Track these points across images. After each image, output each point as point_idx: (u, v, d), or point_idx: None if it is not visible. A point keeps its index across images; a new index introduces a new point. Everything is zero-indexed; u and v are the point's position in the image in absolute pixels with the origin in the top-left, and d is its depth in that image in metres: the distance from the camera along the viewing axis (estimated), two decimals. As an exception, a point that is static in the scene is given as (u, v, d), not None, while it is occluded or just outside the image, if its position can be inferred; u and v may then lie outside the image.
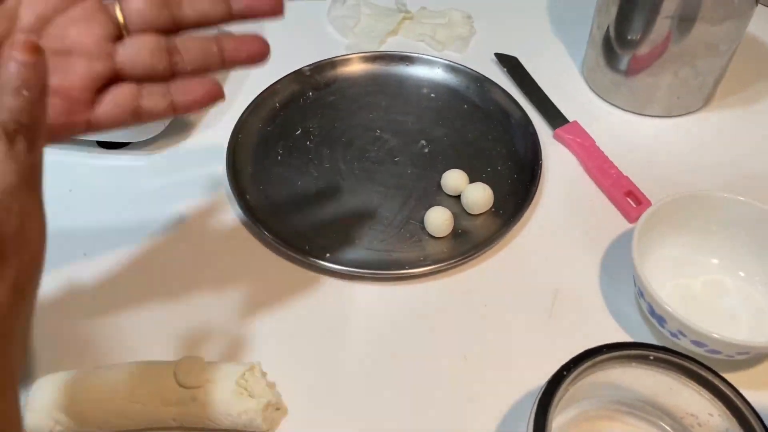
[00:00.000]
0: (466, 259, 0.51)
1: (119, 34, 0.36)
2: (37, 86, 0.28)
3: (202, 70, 0.37)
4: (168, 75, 0.36)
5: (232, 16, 0.37)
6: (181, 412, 0.40)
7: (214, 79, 0.37)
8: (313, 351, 0.47)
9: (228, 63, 0.37)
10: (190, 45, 0.36)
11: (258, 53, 0.38)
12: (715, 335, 0.41)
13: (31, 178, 0.29)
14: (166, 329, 0.47)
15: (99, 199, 0.56)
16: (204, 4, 0.36)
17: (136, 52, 0.35)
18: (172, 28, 0.36)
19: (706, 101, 0.62)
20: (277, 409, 0.42)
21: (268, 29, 0.70)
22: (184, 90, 0.36)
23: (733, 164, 0.58)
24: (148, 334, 0.47)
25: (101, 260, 0.51)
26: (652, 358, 0.38)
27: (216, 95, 0.37)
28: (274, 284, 0.50)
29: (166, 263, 0.51)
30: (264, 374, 0.42)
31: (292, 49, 0.68)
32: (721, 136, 0.60)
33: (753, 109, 0.63)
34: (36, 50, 0.28)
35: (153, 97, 0.36)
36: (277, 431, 0.42)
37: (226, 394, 0.40)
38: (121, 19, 0.36)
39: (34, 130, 0.29)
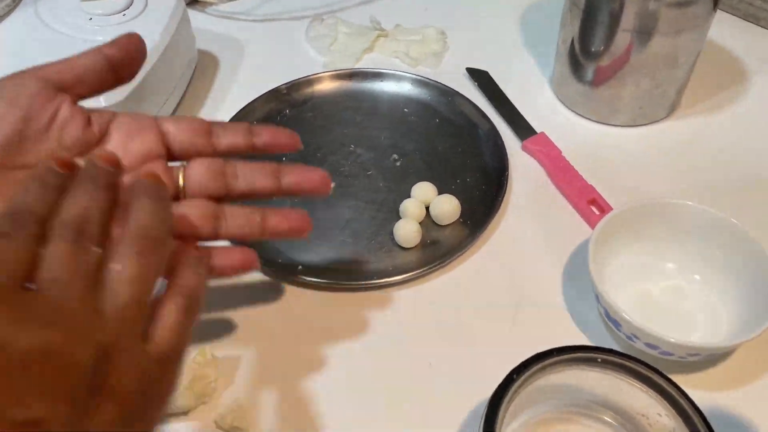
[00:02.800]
0: (433, 269, 0.52)
1: (177, 195, 0.39)
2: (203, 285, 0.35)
3: (243, 237, 0.40)
4: (211, 237, 0.39)
5: (280, 191, 0.41)
6: None
7: (251, 250, 0.40)
8: (279, 359, 0.48)
9: (267, 234, 0.40)
10: (237, 213, 0.40)
11: (299, 229, 0.41)
12: (665, 338, 0.42)
13: (185, 350, 0.32)
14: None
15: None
16: (256, 177, 0.40)
17: (186, 212, 0.38)
18: (224, 196, 0.40)
19: (671, 110, 0.64)
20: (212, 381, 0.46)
21: (248, 48, 0.73)
22: (223, 255, 0.39)
23: (694, 172, 0.59)
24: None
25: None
26: (599, 360, 0.39)
27: (251, 265, 0.40)
28: (246, 295, 0.52)
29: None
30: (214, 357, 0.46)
31: (270, 68, 0.70)
32: (684, 144, 0.62)
33: (716, 118, 0.64)
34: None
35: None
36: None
37: None
38: (181, 182, 0.39)
39: (200, 305, 0.34)
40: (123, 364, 0.28)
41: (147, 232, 0.31)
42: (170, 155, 0.40)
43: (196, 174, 0.40)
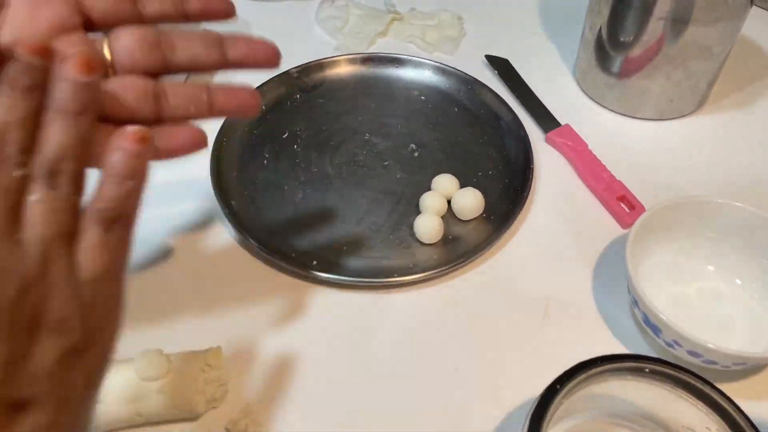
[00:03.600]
0: (456, 267, 0.49)
1: (105, 72, 0.33)
2: (141, 176, 0.29)
3: (189, 117, 0.35)
4: (152, 120, 0.34)
5: (227, 64, 0.36)
6: (147, 406, 0.40)
7: (199, 128, 0.35)
8: (298, 361, 0.45)
9: (216, 112, 0.36)
10: (180, 91, 0.34)
11: (249, 105, 0.37)
12: (711, 345, 0.40)
13: (120, 267, 0.29)
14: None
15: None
16: (197, 48, 0.35)
17: (119, 93, 0.32)
18: (162, 71, 0.35)
19: (700, 104, 0.62)
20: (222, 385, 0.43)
21: (255, 28, 0.70)
22: (168, 136, 0.34)
23: (727, 168, 0.57)
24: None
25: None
26: (647, 370, 0.37)
27: (199, 143, 0.35)
28: (258, 292, 0.49)
29: (147, 269, 0.50)
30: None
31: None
32: (715, 139, 0.59)
33: (747, 112, 0.62)
34: (146, 140, 0.29)
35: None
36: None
37: (191, 379, 0.41)
38: (108, 56, 0.33)
39: (130, 219, 0.29)
40: (54, 293, 0.27)
41: (63, 152, 0.27)
42: (89, 25, 0.34)
43: (124, 45, 0.33)
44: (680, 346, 0.42)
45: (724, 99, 0.63)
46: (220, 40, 0.35)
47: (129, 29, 0.34)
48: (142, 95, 0.33)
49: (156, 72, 0.34)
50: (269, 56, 0.36)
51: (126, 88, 0.33)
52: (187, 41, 0.35)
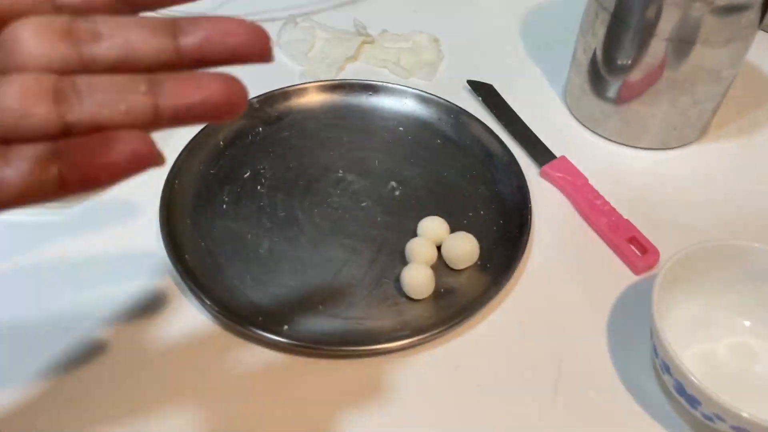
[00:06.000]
0: (452, 327, 0.42)
1: None
2: None
3: (117, 125, 0.22)
4: (56, 132, 0.22)
5: (181, 56, 0.23)
6: None
7: (141, 135, 0.22)
8: (270, 454, 0.37)
9: (167, 117, 0.22)
10: (102, 84, 0.22)
11: (222, 101, 0.22)
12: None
13: None
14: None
15: None
16: (131, 34, 0.23)
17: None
18: (80, 69, 0.23)
19: (702, 132, 0.57)
20: None
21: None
22: (81, 154, 0.21)
23: (742, 203, 0.52)
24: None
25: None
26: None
27: (146, 158, 0.21)
28: (217, 366, 0.41)
29: (81, 352, 0.42)
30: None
31: (237, 78, 0.60)
32: (724, 170, 0.54)
33: (753, 140, 0.57)
34: None
35: (19, 164, 0.21)
36: None
37: None
38: None
39: None
40: None
41: None
42: None
43: (21, 38, 0.22)
44: (722, 420, 0.36)
45: (726, 126, 0.58)
46: (171, 25, 0.23)
47: (30, 19, 0.23)
48: (35, 93, 0.21)
49: (71, 70, 0.22)
50: (251, 41, 0.23)
51: (12, 88, 0.21)
52: (118, 25, 0.23)
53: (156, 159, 0.22)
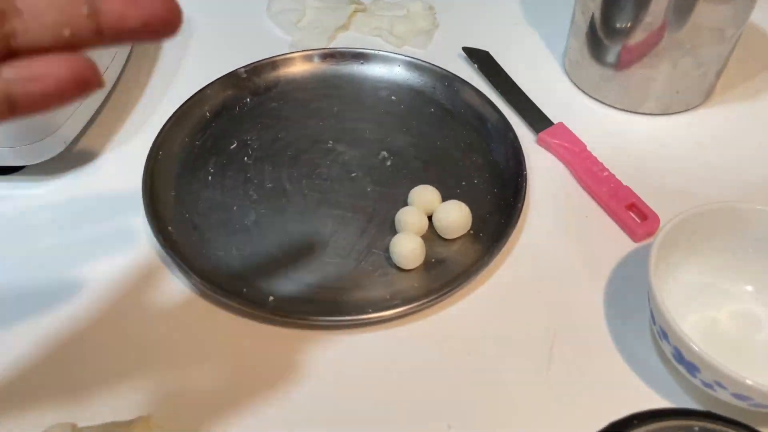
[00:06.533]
0: (443, 296, 0.41)
1: None
2: None
3: (60, 45, 0.22)
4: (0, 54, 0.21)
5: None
6: None
7: (80, 56, 0.22)
8: (252, 419, 0.36)
9: (110, 33, 0.22)
10: (41, 6, 0.22)
11: (159, 19, 0.22)
12: None
13: None
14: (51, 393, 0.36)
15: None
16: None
17: None
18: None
19: (707, 95, 0.54)
20: None
21: (197, 25, 0.61)
22: (27, 74, 0.21)
23: (747, 167, 0.50)
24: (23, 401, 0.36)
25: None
26: (696, 430, 0.29)
27: (86, 79, 0.22)
28: (200, 339, 0.40)
29: (69, 312, 0.40)
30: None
31: (225, 49, 0.58)
32: (729, 134, 0.52)
33: (760, 104, 0.55)
34: None
35: None
36: None
37: None
38: None
39: None
40: None
41: None
42: None
43: None
44: (723, 387, 0.34)
45: (732, 89, 0.56)
46: None
47: None
48: None
49: None
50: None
51: None
52: None
53: (95, 80, 0.22)
